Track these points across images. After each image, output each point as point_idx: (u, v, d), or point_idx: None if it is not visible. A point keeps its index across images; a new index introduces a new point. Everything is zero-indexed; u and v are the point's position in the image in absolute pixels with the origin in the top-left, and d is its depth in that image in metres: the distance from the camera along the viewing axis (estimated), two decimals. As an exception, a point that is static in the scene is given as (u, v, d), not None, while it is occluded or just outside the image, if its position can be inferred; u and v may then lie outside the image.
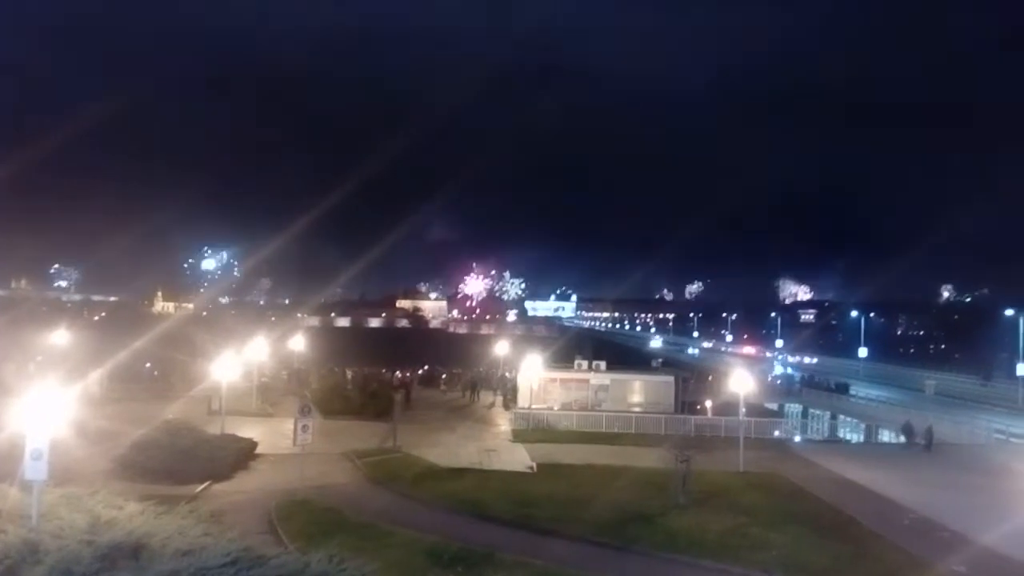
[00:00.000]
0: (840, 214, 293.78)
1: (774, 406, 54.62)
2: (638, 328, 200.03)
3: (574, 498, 22.98)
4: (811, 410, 56.20)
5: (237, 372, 35.79)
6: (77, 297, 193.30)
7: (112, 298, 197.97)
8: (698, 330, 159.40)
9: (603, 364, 45.02)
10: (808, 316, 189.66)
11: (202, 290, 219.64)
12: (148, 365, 52.84)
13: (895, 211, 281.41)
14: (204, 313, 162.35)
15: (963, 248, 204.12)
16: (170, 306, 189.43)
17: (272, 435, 30.42)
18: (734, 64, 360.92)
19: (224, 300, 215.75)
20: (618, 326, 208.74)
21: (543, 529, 19.94)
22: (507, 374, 51.48)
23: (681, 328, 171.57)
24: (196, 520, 14.43)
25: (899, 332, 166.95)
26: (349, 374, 54.42)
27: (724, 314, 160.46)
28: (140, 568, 10.56)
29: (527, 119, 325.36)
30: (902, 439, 39.40)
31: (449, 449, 30.93)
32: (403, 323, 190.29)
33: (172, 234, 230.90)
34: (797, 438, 43.46)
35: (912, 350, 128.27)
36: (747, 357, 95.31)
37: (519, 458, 29.96)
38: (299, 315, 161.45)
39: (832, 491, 25.41)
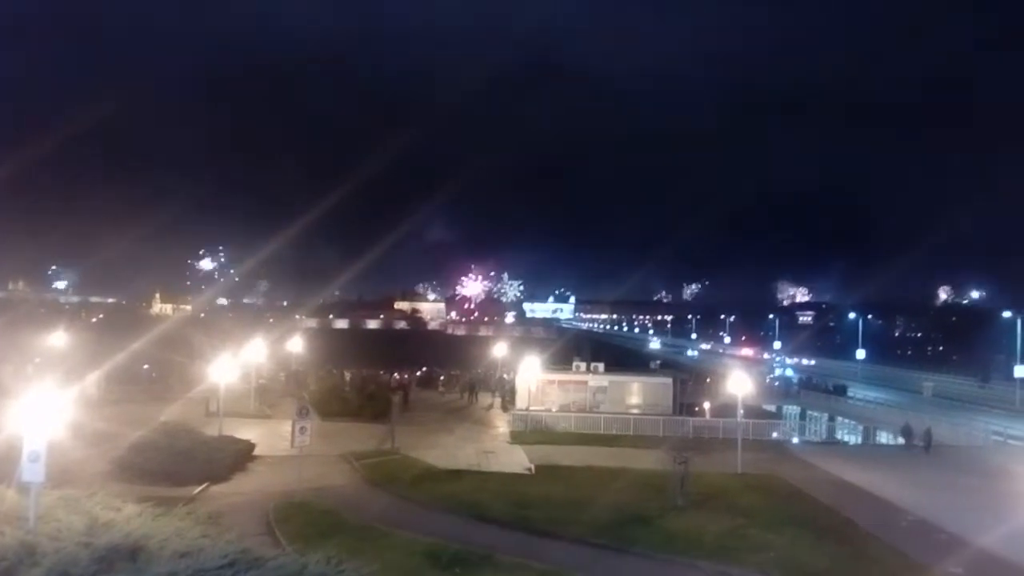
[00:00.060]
0: (838, 215, 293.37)
1: (772, 408, 54.68)
2: (636, 330, 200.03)
3: (572, 500, 23.00)
4: (809, 412, 56.21)
5: (235, 374, 35.79)
6: (75, 299, 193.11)
7: (110, 300, 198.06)
8: (696, 332, 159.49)
9: (601, 366, 45.01)
10: (806, 318, 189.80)
11: (200, 292, 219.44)
12: (146, 367, 52.81)
13: (893, 212, 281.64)
14: (202, 315, 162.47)
15: (961, 249, 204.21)
16: (168, 308, 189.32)
17: (270, 437, 30.40)
18: (733, 64, 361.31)
19: (222, 302, 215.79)
20: (616, 328, 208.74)
21: (541, 531, 19.94)
22: (505, 376, 51.47)
23: (679, 330, 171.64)
24: (194, 522, 14.42)
25: (897, 334, 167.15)
26: (347, 376, 54.41)
27: (722, 316, 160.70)
28: (138, 570, 10.55)
29: (526, 120, 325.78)
30: (900, 441, 39.45)
31: (447, 451, 30.92)
32: (401, 325, 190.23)
33: (170, 236, 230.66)
34: (795, 440, 43.50)
35: (910, 352, 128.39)
36: (745, 359, 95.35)
37: (517, 460, 29.96)
38: (297, 317, 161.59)
39: (830, 493, 25.43)
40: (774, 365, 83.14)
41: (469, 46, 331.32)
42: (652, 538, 19.65)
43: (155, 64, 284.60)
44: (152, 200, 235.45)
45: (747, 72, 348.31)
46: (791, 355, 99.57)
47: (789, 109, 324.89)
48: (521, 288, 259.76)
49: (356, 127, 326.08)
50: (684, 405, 43.95)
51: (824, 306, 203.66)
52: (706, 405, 45.48)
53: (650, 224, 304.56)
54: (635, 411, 40.40)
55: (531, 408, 40.07)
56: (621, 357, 73.38)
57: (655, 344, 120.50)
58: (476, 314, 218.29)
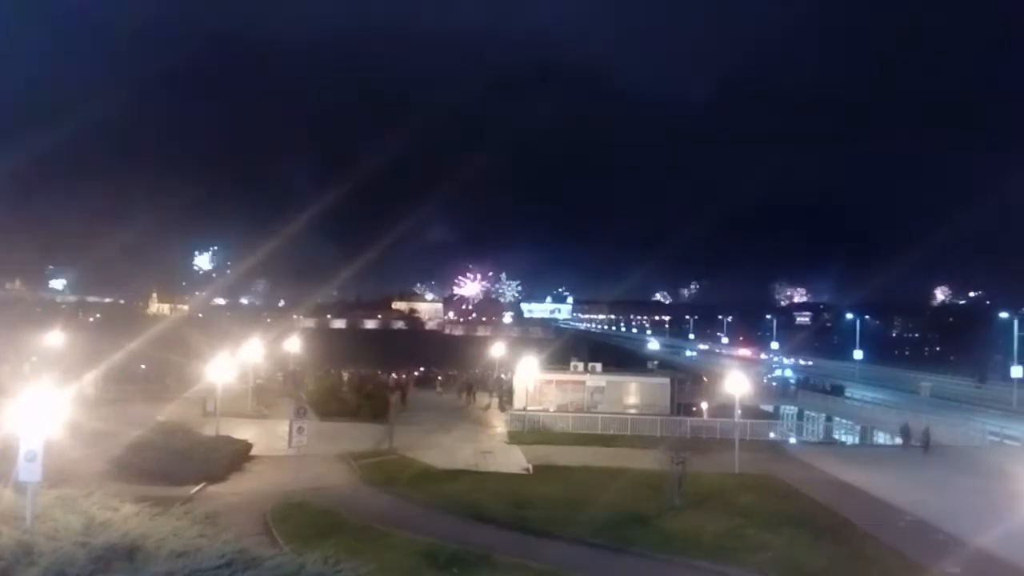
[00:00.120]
0: (836, 216, 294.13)
1: (769, 408, 54.73)
2: (634, 330, 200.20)
3: (570, 500, 23.00)
4: (806, 412, 56.21)
5: (232, 374, 35.76)
6: (72, 298, 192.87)
7: (107, 299, 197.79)
8: (694, 332, 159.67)
9: (599, 366, 45.08)
10: (804, 318, 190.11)
11: (198, 292, 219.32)
12: (143, 367, 52.72)
13: (890, 213, 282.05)
14: (199, 315, 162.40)
15: (958, 250, 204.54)
16: (165, 307, 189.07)
17: (267, 437, 30.32)
18: (732, 64, 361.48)
19: (219, 302, 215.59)
20: (614, 328, 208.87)
21: (539, 531, 19.94)
22: (503, 376, 51.47)
23: (677, 330, 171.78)
24: (191, 522, 14.38)
25: (894, 334, 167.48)
26: (345, 376, 54.40)
27: (720, 316, 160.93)
28: (135, 570, 10.52)
29: (525, 120, 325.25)
30: (897, 441, 39.50)
31: (445, 451, 30.90)
32: (399, 325, 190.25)
33: (168, 235, 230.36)
34: (792, 440, 43.56)
35: (907, 352, 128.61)
36: (742, 359, 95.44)
37: (515, 460, 29.95)
38: (295, 316, 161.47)
39: (827, 493, 25.45)
40: (773, 366, 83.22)
41: (469, 46, 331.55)
42: (650, 538, 19.65)
43: (153, 62, 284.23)
44: (149, 200, 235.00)
45: (746, 72, 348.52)
46: (788, 355, 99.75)
47: (788, 109, 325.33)
48: (519, 288, 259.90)
49: (355, 126, 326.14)
50: (682, 405, 44.02)
51: (822, 306, 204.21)
52: (704, 405, 45.55)
53: (648, 224, 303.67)
54: (633, 411, 40.43)
55: (529, 408, 40.10)
56: (619, 357, 73.40)
57: (654, 345, 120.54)
58: (474, 314, 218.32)
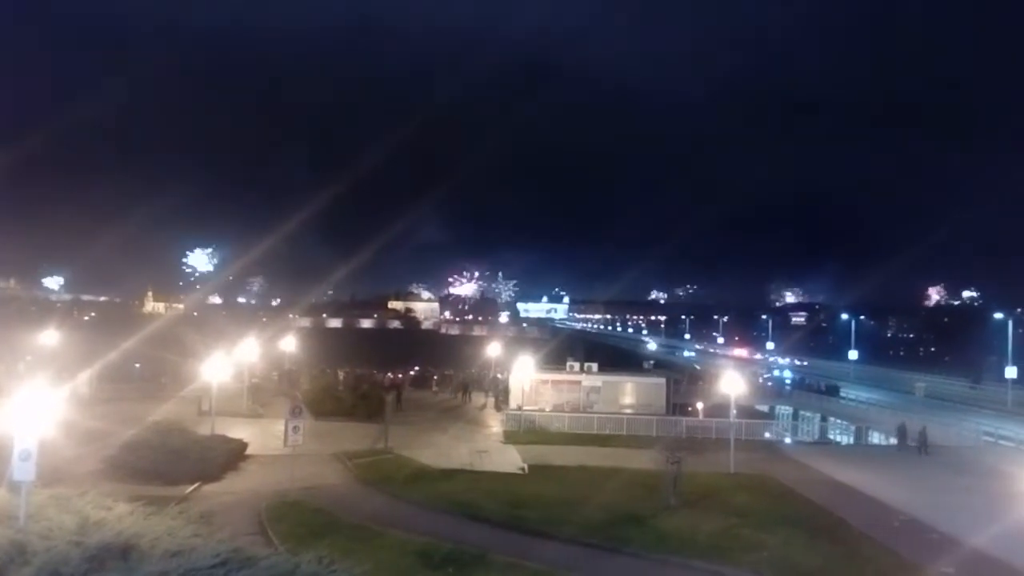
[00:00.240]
0: (832, 216, 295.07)
1: (765, 408, 54.82)
2: (630, 330, 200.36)
3: (565, 499, 23.00)
4: (801, 412, 56.35)
5: (228, 373, 35.64)
6: (67, 297, 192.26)
7: (102, 298, 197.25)
8: (690, 332, 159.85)
9: (595, 366, 45.08)
10: (799, 319, 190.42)
11: (193, 290, 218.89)
12: (138, 366, 52.60)
13: (887, 214, 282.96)
14: (195, 313, 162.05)
15: (953, 251, 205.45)
16: (160, 306, 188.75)
17: (262, 436, 30.28)
18: (730, 65, 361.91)
19: (215, 300, 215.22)
20: (610, 328, 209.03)
21: (534, 530, 19.92)
22: (499, 375, 51.46)
23: (673, 330, 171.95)
24: (186, 521, 14.34)
25: (889, 334, 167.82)
26: (340, 375, 54.31)
27: (716, 316, 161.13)
28: (129, 569, 10.49)
29: (522, 120, 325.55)
30: (892, 441, 39.58)
31: (440, 450, 30.88)
32: (395, 324, 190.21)
33: (163, 234, 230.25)
34: (787, 440, 43.61)
35: (902, 352, 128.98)
36: (738, 359, 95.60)
37: (510, 459, 29.94)
38: (290, 316, 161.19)
39: (823, 493, 25.49)
40: (771, 366, 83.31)
41: (466, 45, 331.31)
42: (645, 538, 19.66)
43: (149, 60, 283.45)
44: (145, 198, 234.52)
45: (745, 72, 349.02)
46: (784, 355, 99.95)
47: (785, 109, 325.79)
48: (515, 288, 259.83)
49: (352, 126, 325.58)
50: (677, 405, 44.04)
51: (817, 307, 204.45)
52: (699, 405, 45.60)
53: (645, 225, 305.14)
54: (628, 411, 40.42)
55: (525, 408, 40.09)
56: (615, 357, 73.45)
57: (651, 345, 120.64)
58: (470, 315, 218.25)
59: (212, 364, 32.32)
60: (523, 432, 36.01)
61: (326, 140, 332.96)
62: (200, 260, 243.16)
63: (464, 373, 59.46)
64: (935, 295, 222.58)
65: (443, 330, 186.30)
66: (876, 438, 45.53)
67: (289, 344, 56.70)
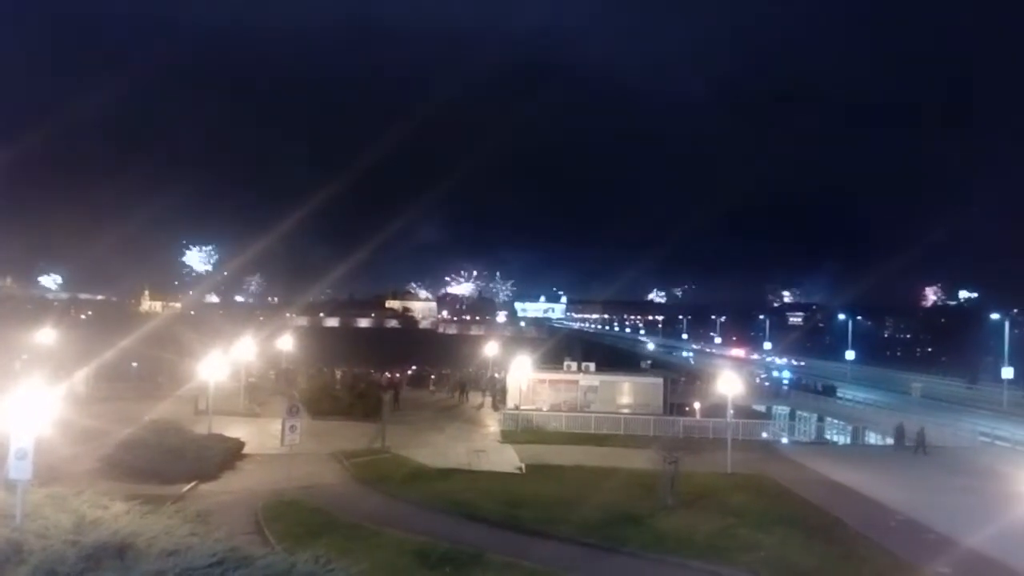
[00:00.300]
0: (829, 216, 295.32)
1: (762, 408, 54.87)
2: (627, 330, 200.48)
3: (563, 499, 22.99)
4: (798, 412, 56.41)
5: (225, 372, 35.61)
6: (64, 295, 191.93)
7: (99, 297, 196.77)
8: (687, 332, 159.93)
9: (592, 365, 45.08)
10: (796, 319, 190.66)
11: (190, 290, 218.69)
12: (135, 364, 52.53)
13: (884, 214, 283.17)
14: (192, 312, 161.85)
15: (950, 251, 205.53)
16: (157, 305, 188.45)
17: (259, 435, 30.28)
18: (728, 65, 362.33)
19: (212, 299, 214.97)
20: (607, 328, 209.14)
21: (532, 530, 19.92)
22: (496, 375, 51.47)
23: (670, 330, 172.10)
24: (182, 520, 14.35)
25: (886, 335, 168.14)
26: (338, 374, 54.22)
27: (713, 316, 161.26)
28: (125, 568, 10.48)
29: (519, 119, 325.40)
30: (889, 441, 39.63)
31: (438, 450, 30.87)
32: (392, 323, 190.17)
33: (161, 233, 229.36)
34: (784, 440, 43.66)
35: (899, 353, 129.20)
36: (735, 359, 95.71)
37: (508, 459, 29.94)
38: (288, 315, 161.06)
39: (819, 493, 25.52)
40: (770, 367, 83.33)
41: (464, 45, 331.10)
42: (642, 537, 19.66)
43: (147, 59, 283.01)
44: (142, 197, 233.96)
45: (744, 72, 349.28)
46: (781, 355, 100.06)
47: (784, 109, 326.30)
48: (513, 287, 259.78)
49: (351, 125, 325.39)
50: (674, 405, 44.07)
51: (814, 307, 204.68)
52: (696, 405, 45.63)
53: (643, 224, 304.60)
54: (626, 411, 40.45)
55: (522, 407, 40.10)
56: (612, 357, 73.49)
57: (650, 345, 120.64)
58: (467, 316, 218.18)
59: (209, 363, 32.30)
60: (520, 432, 36.01)
61: (325, 139, 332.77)
62: (197, 259, 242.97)
63: (461, 372, 59.47)
64: (931, 295, 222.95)
65: (440, 329, 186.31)
66: (873, 438, 45.58)
67: (286, 343, 56.64)
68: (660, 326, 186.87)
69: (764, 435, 39.05)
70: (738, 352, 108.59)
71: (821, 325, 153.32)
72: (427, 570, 16.31)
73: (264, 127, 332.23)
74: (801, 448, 39.33)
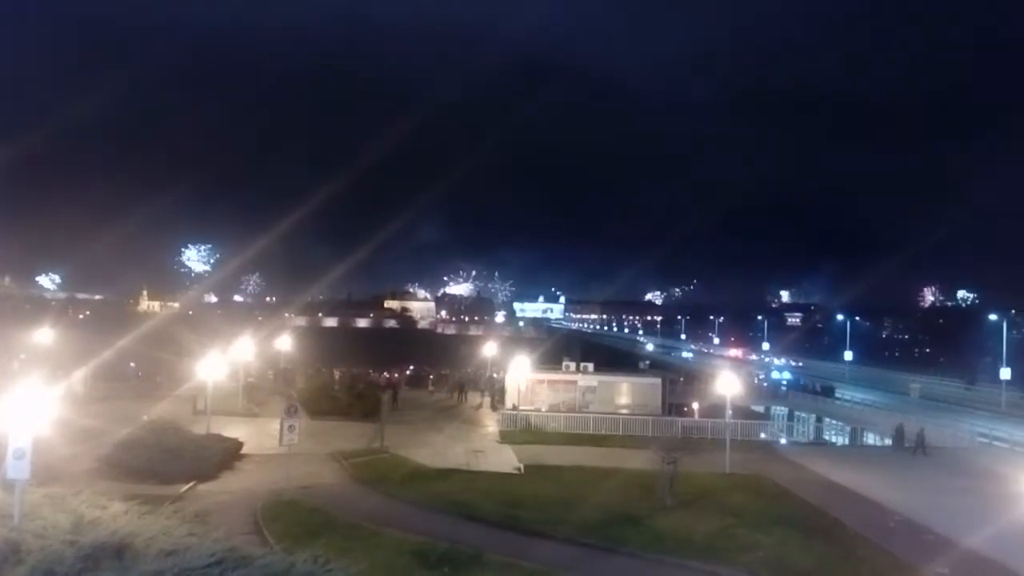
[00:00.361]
0: (827, 217, 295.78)
1: (760, 408, 54.91)
2: (626, 330, 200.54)
3: (561, 499, 22.98)
4: (797, 413, 56.48)
5: (223, 372, 35.58)
6: (62, 295, 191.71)
7: (97, 296, 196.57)
8: (685, 332, 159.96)
9: (591, 366, 45.06)
10: (795, 319, 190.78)
11: (188, 289, 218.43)
12: (133, 364, 52.50)
13: (883, 215, 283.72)
14: (190, 312, 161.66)
15: (949, 252, 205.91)
16: (155, 305, 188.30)
17: (258, 435, 30.26)
18: (729, 65, 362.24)
19: (210, 299, 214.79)
20: (606, 328, 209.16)
21: (531, 530, 19.91)
22: (495, 375, 51.47)
23: (669, 331, 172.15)
24: (181, 520, 14.34)
25: (884, 335, 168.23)
26: (336, 374, 54.24)
27: (711, 317, 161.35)
28: (124, 568, 10.47)
29: (521, 120, 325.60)
30: (887, 442, 39.65)
31: (436, 450, 30.86)
32: (391, 323, 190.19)
33: (158, 232, 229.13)
34: (783, 440, 43.71)
35: (897, 353, 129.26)
36: (734, 359, 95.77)
37: (506, 459, 29.93)
38: (286, 315, 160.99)
39: (818, 493, 25.52)
40: (771, 368, 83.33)
41: (464, 44, 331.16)
42: (641, 538, 19.66)
43: (145, 59, 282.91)
44: (140, 197, 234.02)
45: (743, 73, 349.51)
46: (779, 356, 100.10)
47: (784, 109, 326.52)
48: (512, 288, 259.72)
49: (350, 125, 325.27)
50: (673, 405, 44.07)
51: (813, 307, 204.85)
52: (695, 405, 45.65)
53: (642, 225, 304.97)
54: (624, 411, 40.42)
55: (520, 408, 40.07)
56: (610, 357, 73.51)
57: (649, 346, 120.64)
58: (465, 316, 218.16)
59: (207, 363, 32.27)
60: (519, 432, 35.99)
61: (324, 139, 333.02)
62: (195, 259, 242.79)
63: (460, 373, 59.48)
64: (930, 296, 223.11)
65: (439, 329, 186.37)
66: (871, 439, 45.61)
67: (285, 343, 56.63)
68: (659, 326, 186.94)
69: (763, 435, 39.05)
70: (736, 352, 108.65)
71: (820, 325, 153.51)
72: (426, 570, 16.30)
73: (264, 127, 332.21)
74: (800, 449, 39.36)
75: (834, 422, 52.46)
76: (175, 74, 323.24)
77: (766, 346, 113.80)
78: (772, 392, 62.82)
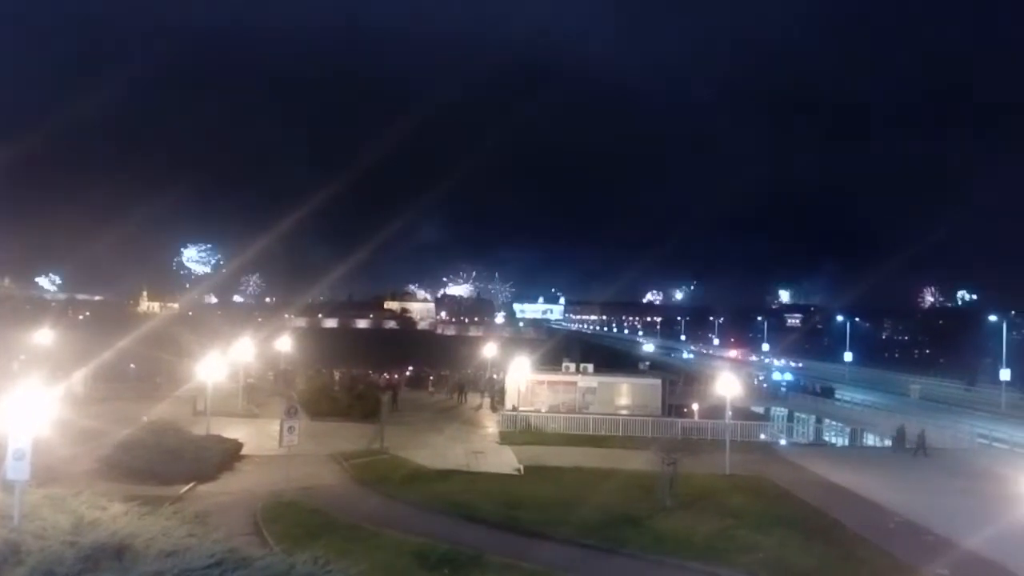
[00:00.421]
0: (827, 217, 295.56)
1: (760, 409, 54.87)
2: (626, 331, 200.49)
3: (561, 500, 22.97)
4: (796, 414, 56.43)
5: (223, 373, 35.59)
6: (62, 296, 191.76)
7: (97, 297, 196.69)
8: (685, 333, 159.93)
9: (591, 367, 45.05)
10: (794, 320, 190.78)
11: (188, 289, 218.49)
12: (133, 365, 52.48)
13: (884, 214, 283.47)
14: (190, 313, 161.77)
15: (948, 253, 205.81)
16: (155, 306, 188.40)
17: (258, 436, 30.25)
18: (729, 65, 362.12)
19: (210, 300, 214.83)
20: (606, 329, 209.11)
21: (531, 531, 19.90)
22: (495, 376, 51.47)
23: (668, 332, 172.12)
24: (181, 521, 14.34)
25: (884, 336, 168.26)
26: (336, 375, 54.23)
27: (711, 318, 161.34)
28: (123, 569, 10.47)
29: (522, 120, 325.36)
30: (887, 443, 39.62)
31: (436, 451, 30.85)
32: (391, 324, 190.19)
33: (158, 233, 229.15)
34: (783, 441, 43.68)
35: (897, 354, 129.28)
36: (733, 360, 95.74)
37: (506, 460, 29.93)
38: (286, 316, 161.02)
39: (818, 494, 25.52)
40: (773, 369, 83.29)
41: (464, 45, 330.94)
42: (641, 539, 19.65)
43: (144, 59, 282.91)
44: (141, 198, 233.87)
45: (743, 73, 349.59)
46: (779, 357, 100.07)
47: (784, 110, 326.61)
48: (512, 289, 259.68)
49: (350, 125, 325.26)
50: (673, 406, 44.05)
51: (812, 308, 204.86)
52: (695, 406, 45.63)
53: (642, 225, 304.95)
54: (624, 412, 40.42)
55: (520, 409, 40.07)
56: (610, 358, 73.51)
57: (649, 347, 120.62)
58: (464, 317, 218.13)
59: (207, 364, 32.28)
60: (519, 433, 36.00)
61: (324, 139, 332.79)
62: (195, 259, 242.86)
63: (460, 374, 59.49)
64: (930, 297, 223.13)
65: (439, 330, 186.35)
66: (871, 440, 45.59)
67: (285, 344, 56.62)
68: (658, 327, 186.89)
69: (763, 437, 39.05)
70: (735, 353, 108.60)
71: (819, 326, 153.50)
72: (426, 571, 16.30)
73: (264, 127, 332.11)
74: (799, 450, 39.34)
75: (834, 423, 52.42)
76: (175, 74, 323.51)
77: (766, 347, 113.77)
78: (772, 393, 62.79)
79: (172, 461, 23.88)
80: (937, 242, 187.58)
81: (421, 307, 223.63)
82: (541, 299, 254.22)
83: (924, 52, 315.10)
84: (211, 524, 15.33)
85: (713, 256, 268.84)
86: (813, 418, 54.41)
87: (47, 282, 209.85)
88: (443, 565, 16.50)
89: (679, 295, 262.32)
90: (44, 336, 49.19)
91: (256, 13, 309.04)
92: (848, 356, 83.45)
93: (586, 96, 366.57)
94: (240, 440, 28.33)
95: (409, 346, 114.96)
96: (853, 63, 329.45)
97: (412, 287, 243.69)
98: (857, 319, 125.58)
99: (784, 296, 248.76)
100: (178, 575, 10.21)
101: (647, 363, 68.73)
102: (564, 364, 45.58)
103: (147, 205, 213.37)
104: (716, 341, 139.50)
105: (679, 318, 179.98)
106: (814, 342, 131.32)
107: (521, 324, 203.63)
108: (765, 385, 66.42)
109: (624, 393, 42.63)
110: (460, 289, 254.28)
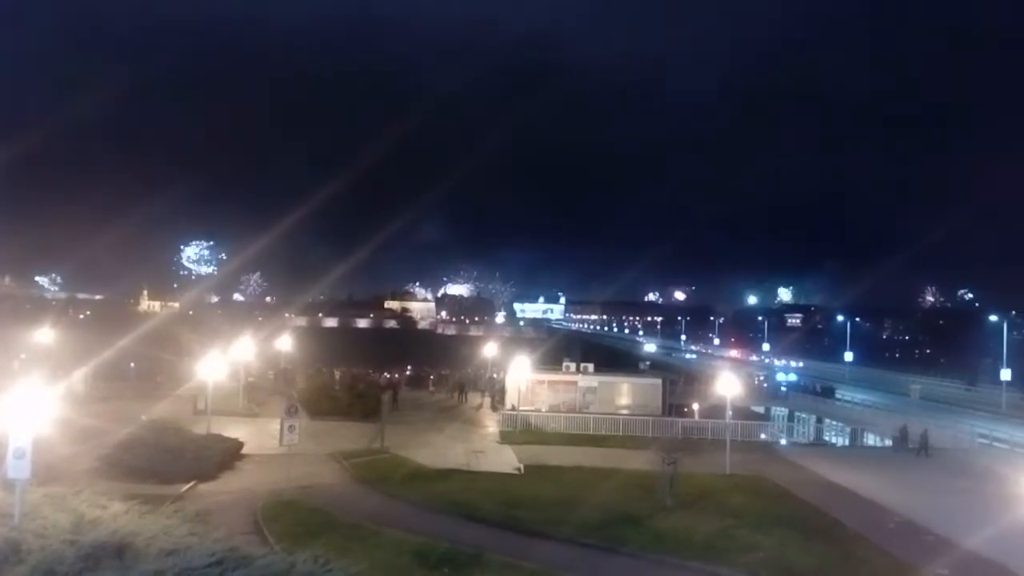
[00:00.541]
0: (829, 217, 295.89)
1: (760, 409, 54.85)
2: (626, 331, 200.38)
3: (562, 500, 22.98)
4: (797, 413, 56.43)
5: (223, 372, 35.60)
6: (62, 295, 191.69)
7: (97, 296, 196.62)
8: (686, 333, 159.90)
9: (591, 366, 45.05)
10: (795, 320, 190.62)
11: (188, 289, 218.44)
12: (133, 364, 52.48)
13: (884, 214, 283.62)
14: (190, 312, 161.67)
15: (948, 253, 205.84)
16: (156, 305, 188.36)
17: (258, 435, 30.26)
18: (729, 65, 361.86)
19: (211, 299, 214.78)
20: (606, 329, 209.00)
21: (531, 530, 19.92)
22: (495, 375, 51.47)
23: (669, 331, 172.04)
24: (181, 520, 14.34)
25: (884, 336, 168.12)
26: (336, 374, 54.25)
27: (711, 317, 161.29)
28: (124, 568, 10.47)
29: (522, 120, 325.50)
30: (888, 443, 39.61)
31: (437, 450, 30.86)
32: (391, 324, 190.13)
33: (158, 232, 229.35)
34: (783, 441, 43.67)
35: (897, 354, 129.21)
36: (734, 360, 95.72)
37: (507, 459, 29.93)
38: (286, 315, 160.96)
39: (818, 494, 25.52)
40: (777, 370, 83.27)
41: (464, 44, 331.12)
42: (641, 538, 19.66)
43: (144, 58, 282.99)
44: (141, 197, 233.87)
45: (744, 73, 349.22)
46: (780, 357, 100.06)
47: (784, 110, 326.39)
48: (512, 288, 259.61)
49: (350, 125, 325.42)
50: (673, 406, 44.04)
51: (813, 308, 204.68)
52: (695, 406, 45.62)
53: (642, 225, 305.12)
54: (624, 412, 40.42)
55: (520, 408, 40.08)
56: (611, 358, 73.49)
57: (650, 347, 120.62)
58: (464, 317, 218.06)
59: (208, 363, 32.30)
60: (519, 432, 36.01)
61: (324, 139, 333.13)
62: (195, 256, 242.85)
63: (460, 373, 59.47)
64: (930, 297, 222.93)
65: (439, 330, 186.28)
66: (872, 440, 45.59)
67: (285, 343, 56.65)
68: (659, 327, 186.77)
69: (763, 436, 39.05)
70: (735, 353, 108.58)
71: (820, 326, 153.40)
72: (426, 570, 16.30)
73: (264, 127, 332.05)
74: (800, 449, 39.35)
75: (834, 423, 52.42)
76: (176, 74, 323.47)
77: (766, 347, 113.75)
78: (772, 393, 62.78)
79: (172, 460, 23.90)
80: (937, 242, 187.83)
81: (421, 306, 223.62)
82: (541, 299, 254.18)
83: (924, 52, 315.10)
84: (211, 523, 15.33)
85: (715, 256, 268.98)
86: (813, 418, 54.41)
87: (47, 281, 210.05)
88: (443, 564, 16.51)
89: (679, 295, 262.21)
90: (44, 335, 49.23)
91: (256, 12, 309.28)
92: (848, 356, 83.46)
93: (586, 96, 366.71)
94: (240, 439, 28.33)
95: (409, 345, 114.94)
96: (853, 63, 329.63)
97: (412, 287, 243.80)
98: (857, 319, 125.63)
99: (785, 296, 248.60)
100: (179, 574, 10.22)
101: (647, 363, 68.74)
102: (564, 364, 45.57)
103: (147, 205, 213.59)
104: (716, 341, 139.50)
105: (679, 318, 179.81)
106: (814, 342, 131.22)
107: (521, 324, 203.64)
108: (765, 385, 66.40)
109: (624, 393, 42.63)
110: (460, 288, 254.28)
